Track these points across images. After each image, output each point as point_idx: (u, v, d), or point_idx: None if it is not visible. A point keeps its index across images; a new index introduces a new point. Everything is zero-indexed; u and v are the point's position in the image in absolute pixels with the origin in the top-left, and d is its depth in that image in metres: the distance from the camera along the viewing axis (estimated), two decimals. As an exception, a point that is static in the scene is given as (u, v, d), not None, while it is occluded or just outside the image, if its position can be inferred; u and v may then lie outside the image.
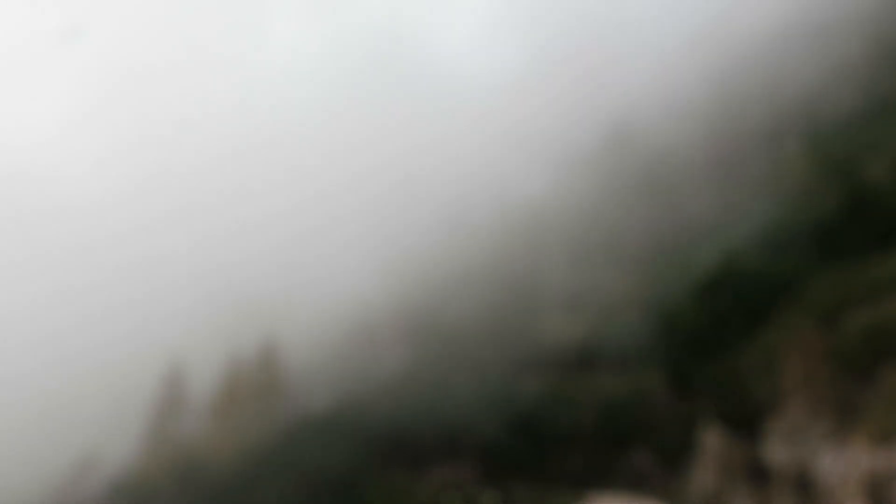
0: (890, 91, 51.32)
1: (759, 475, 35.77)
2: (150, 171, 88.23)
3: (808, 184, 44.73)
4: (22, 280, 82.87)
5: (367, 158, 68.21)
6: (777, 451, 35.46)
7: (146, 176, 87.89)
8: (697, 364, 39.95)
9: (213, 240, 73.27)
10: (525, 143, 59.52)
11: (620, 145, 66.09)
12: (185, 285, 72.95)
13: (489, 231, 56.57)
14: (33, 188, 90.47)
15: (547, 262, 56.48)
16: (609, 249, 54.38)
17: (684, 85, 67.00)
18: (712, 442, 37.07)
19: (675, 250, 47.85)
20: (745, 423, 36.85)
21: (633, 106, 69.98)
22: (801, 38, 61.02)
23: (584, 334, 46.10)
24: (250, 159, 69.67)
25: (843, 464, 33.00)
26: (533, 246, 56.48)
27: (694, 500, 36.39)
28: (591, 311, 47.68)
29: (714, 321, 41.06)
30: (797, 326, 37.79)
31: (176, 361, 64.91)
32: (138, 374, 67.85)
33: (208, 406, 59.93)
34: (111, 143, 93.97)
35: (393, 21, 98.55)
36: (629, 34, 77.01)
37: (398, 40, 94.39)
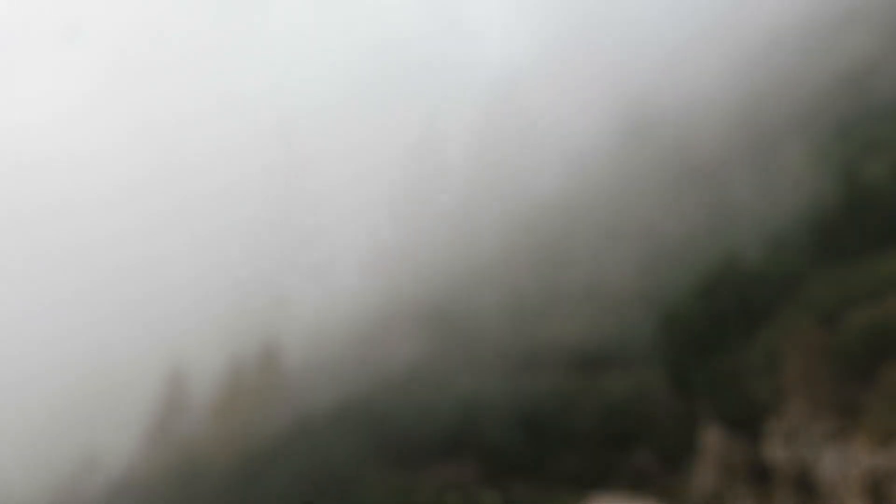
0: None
1: (759, 475, 35.72)
2: (149, 170, 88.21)
3: (811, 182, 44.70)
4: (24, 281, 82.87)
5: (378, 154, 68.21)
6: (778, 450, 35.38)
7: (145, 175, 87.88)
8: (698, 364, 39.88)
9: (213, 238, 73.25)
10: (536, 138, 59.44)
11: (630, 142, 66.04)
12: (186, 285, 72.93)
13: (496, 230, 56.59)
14: (33, 188, 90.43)
15: (551, 260, 56.46)
16: (612, 248, 54.36)
17: (700, 79, 66.98)
18: (713, 442, 37.03)
19: (676, 249, 47.83)
20: (746, 422, 36.78)
21: (646, 102, 69.98)
22: (821, 29, 60.96)
23: (585, 334, 46.10)
24: (252, 157, 69.61)
25: (844, 463, 32.94)
26: (537, 244, 56.48)
27: (694, 500, 36.35)
28: (593, 310, 47.68)
29: (714, 321, 40.97)
30: (798, 326, 37.70)
31: (177, 362, 64.95)
32: (140, 374, 67.86)
33: (210, 406, 59.94)
34: (111, 142, 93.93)
35: (404, 15, 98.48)
36: (646, 26, 76.99)
37: (411, 33, 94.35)
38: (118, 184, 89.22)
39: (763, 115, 58.44)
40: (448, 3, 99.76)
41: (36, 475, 68.41)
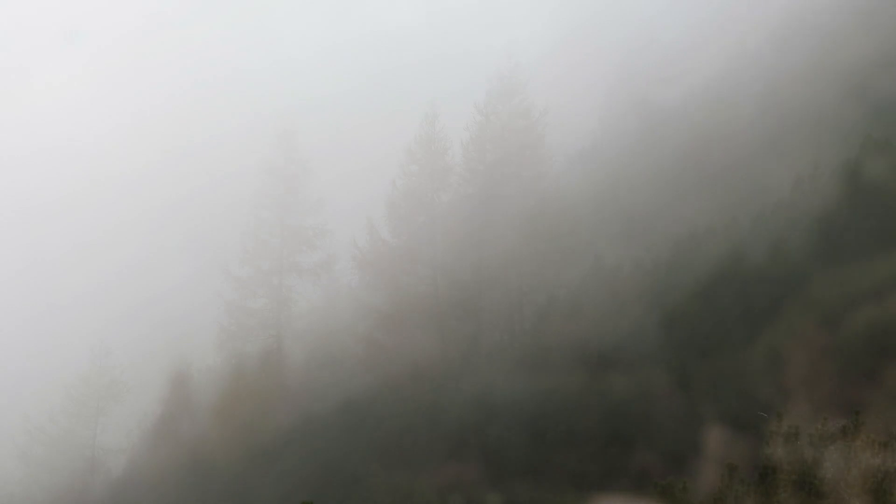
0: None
1: (761, 475, 35.61)
2: (148, 168, 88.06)
3: (814, 182, 44.63)
4: (26, 282, 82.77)
5: (377, 154, 68.03)
6: (780, 450, 35.28)
7: (145, 174, 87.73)
8: (700, 364, 39.85)
9: (213, 238, 73.14)
10: (537, 137, 59.21)
11: (633, 141, 65.97)
12: (187, 286, 72.81)
13: (497, 229, 56.48)
14: (36, 186, 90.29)
15: (553, 260, 56.39)
16: (614, 247, 54.32)
17: (703, 79, 66.86)
18: (715, 441, 36.92)
19: (679, 249, 47.77)
20: (749, 422, 36.71)
21: (649, 102, 69.90)
22: (823, 29, 60.87)
23: (588, 334, 45.97)
24: (252, 157, 69.52)
25: (847, 463, 32.83)
26: (539, 244, 56.41)
27: (697, 501, 36.24)
28: (596, 310, 47.58)
29: (717, 321, 40.95)
30: (800, 325, 37.68)
31: (178, 362, 64.90)
32: (141, 374, 67.80)
33: (211, 406, 59.89)
34: (109, 143, 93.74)
35: (405, 13, 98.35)
36: (650, 25, 76.95)
37: (412, 32, 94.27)
38: (117, 183, 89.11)
39: (765, 115, 58.41)
40: (449, 2, 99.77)
41: (36, 475, 68.37)
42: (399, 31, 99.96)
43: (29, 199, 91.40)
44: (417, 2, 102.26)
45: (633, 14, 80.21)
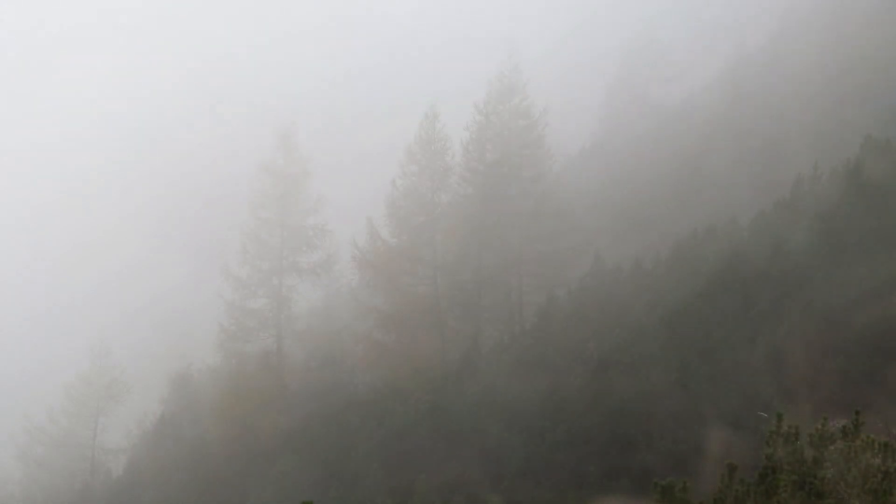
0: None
1: (762, 475, 35.52)
2: (149, 167, 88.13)
3: (815, 181, 44.58)
4: (27, 282, 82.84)
5: (378, 154, 68.06)
6: (780, 450, 35.17)
7: (146, 173, 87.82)
8: (701, 363, 39.79)
9: (213, 238, 73.14)
10: (537, 136, 59.23)
11: (632, 141, 65.94)
12: (187, 286, 72.85)
13: (497, 229, 56.48)
14: (36, 187, 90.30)
15: (552, 260, 56.36)
16: (614, 247, 54.30)
17: (702, 79, 66.87)
18: (716, 441, 36.84)
19: (679, 249, 47.74)
20: (749, 422, 36.65)
21: (649, 101, 69.92)
22: (823, 29, 60.79)
23: (588, 334, 45.96)
24: (252, 157, 69.58)
25: (847, 463, 32.73)
26: (539, 244, 56.43)
27: (697, 501, 36.14)
28: (596, 310, 47.57)
29: (718, 320, 40.90)
30: (801, 325, 37.63)
31: (179, 362, 64.86)
32: (141, 374, 67.84)
33: (211, 406, 59.88)
34: (108, 144, 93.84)
35: (405, 13, 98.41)
36: (650, 24, 76.95)
37: (413, 32, 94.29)
38: (118, 183, 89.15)
39: (765, 115, 58.41)
40: (449, 3, 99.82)
41: (36, 475, 68.46)
42: (399, 31, 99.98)
43: (29, 199, 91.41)
44: (418, 2, 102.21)
45: (633, 14, 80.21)
